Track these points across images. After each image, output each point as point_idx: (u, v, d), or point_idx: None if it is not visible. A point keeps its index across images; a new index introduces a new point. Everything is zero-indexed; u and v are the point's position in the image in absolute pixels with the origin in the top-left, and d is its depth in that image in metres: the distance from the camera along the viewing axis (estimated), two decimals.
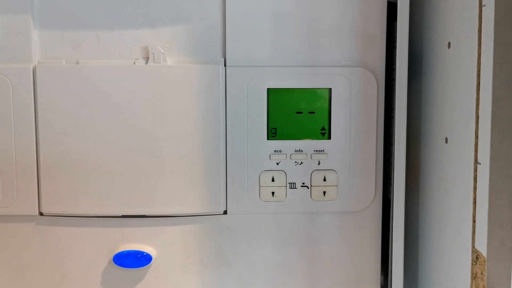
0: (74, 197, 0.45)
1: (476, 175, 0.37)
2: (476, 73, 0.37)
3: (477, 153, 0.37)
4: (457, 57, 0.40)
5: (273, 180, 0.46)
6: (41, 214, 0.46)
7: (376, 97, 0.46)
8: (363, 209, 0.47)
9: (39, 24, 0.44)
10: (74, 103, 0.44)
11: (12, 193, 0.45)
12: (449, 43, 0.42)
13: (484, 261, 0.37)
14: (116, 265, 0.46)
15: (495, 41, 0.34)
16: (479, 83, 0.37)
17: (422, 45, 0.47)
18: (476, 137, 0.37)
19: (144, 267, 0.46)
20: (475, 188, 0.38)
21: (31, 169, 0.45)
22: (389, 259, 0.47)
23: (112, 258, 0.46)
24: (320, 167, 0.46)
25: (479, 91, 0.37)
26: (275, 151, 0.46)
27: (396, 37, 0.45)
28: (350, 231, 0.47)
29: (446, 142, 0.42)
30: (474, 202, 0.38)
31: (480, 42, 0.36)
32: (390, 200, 0.47)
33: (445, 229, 0.43)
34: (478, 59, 0.37)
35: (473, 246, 0.38)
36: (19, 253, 0.46)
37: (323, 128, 0.46)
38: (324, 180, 0.46)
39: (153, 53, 0.44)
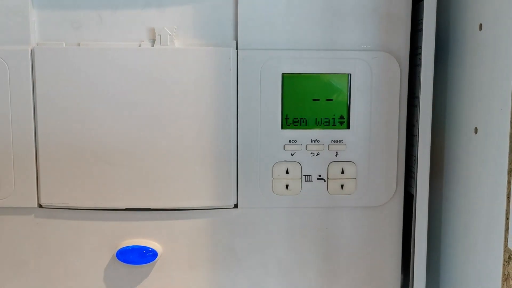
0: (75, 188, 0.43)
1: (511, 169, 0.35)
2: None
3: None
4: (489, 39, 0.38)
5: (287, 172, 0.44)
6: (40, 206, 0.44)
7: (399, 83, 0.43)
8: (383, 204, 0.45)
9: (38, 3, 0.42)
10: (75, 88, 0.42)
11: (9, 184, 0.43)
12: (480, 25, 0.39)
13: None
14: (119, 261, 0.44)
15: None
16: None
17: (450, 27, 0.45)
18: None
19: (149, 263, 0.44)
20: (509, 182, 0.36)
21: (29, 158, 0.43)
22: (411, 257, 0.45)
23: (115, 253, 0.44)
24: (338, 158, 0.44)
25: None
26: (289, 141, 0.43)
27: (421, 19, 0.42)
28: (369, 227, 0.45)
29: (476, 132, 0.40)
30: (508, 198, 0.36)
31: None
32: (411, 194, 0.45)
33: (472, 226, 0.41)
34: None
35: (505, 245, 0.36)
36: (17, 247, 0.44)
37: (341, 117, 0.44)
38: (342, 172, 0.44)
39: (160, 35, 0.42)
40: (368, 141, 0.44)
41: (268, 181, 0.44)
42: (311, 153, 0.44)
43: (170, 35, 0.42)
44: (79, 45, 0.42)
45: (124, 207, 0.44)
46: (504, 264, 0.36)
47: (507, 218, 0.36)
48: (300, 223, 0.45)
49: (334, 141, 0.44)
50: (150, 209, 0.44)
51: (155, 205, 0.44)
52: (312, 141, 0.44)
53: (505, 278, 0.36)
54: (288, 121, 0.43)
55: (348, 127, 0.44)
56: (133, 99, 0.42)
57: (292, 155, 0.44)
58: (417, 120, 0.43)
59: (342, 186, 0.44)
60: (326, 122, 0.44)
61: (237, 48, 0.43)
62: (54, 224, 0.44)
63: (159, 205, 0.44)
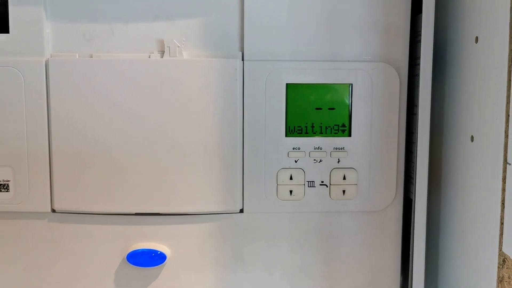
0: (87, 193, 0.44)
1: (505, 176, 0.36)
2: (506, 69, 0.36)
3: (506, 152, 0.36)
4: (485, 52, 0.39)
5: (291, 178, 0.45)
6: (53, 211, 0.45)
7: (399, 93, 0.45)
8: (383, 209, 0.46)
9: (52, 16, 0.44)
10: (88, 97, 0.43)
11: (24, 189, 0.44)
12: (476, 38, 0.40)
13: None
14: (129, 264, 0.45)
15: None
16: (510, 80, 0.36)
17: (447, 40, 0.46)
18: (506, 136, 0.36)
19: (158, 266, 0.46)
20: (503, 189, 0.37)
21: (43, 165, 0.44)
22: (410, 260, 0.46)
23: (125, 256, 0.45)
24: (340, 165, 0.45)
25: (510, 88, 0.36)
26: (293, 148, 0.45)
27: (419, 31, 0.43)
28: (370, 231, 0.47)
29: (472, 140, 0.41)
30: (503, 204, 0.37)
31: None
32: (411, 199, 0.46)
33: (468, 230, 0.42)
34: (509, 54, 0.36)
35: (500, 249, 0.37)
36: (30, 250, 0.46)
37: (343, 125, 0.45)
38: (344, 178, 0.45)
39: (169, 47, 0.44)
40: (368, 148, 0.45)
41: (273, 187, 0.45)
42: (314, 160, 0.45)
43: (178, 46, 0.43)
44: (91, 56, 0.44)
45: (134, 211, 0.45)
46: (499, 267, 0.37)
47: (502, 223, 0.37)
48: (303, 227, 0.46)
49: (336, 148, 0.45)
50: (159, 214, 0.45)
51: (164, 210, 0.45)
52: (315, 148, 0.45)
53: (500, 280, 0.37)
54: (292, 129, 0.45)
55: (350, 135, 0.45)
56: (143, 108, 0.43)
57: (295, 162, 0.45)
58: (416, 128, 0.44)
59: (343, 191, 0.45)
60: (328, 130, 0.45)
61: (243, 59, 0.44)
62: (66, 229, 0.45)
63: (168, 210, 0.45)
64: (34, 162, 0.44)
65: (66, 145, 0.44)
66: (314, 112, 0.45)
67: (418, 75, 0.44)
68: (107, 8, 0.43)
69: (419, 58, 0.44)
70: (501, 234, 0.37)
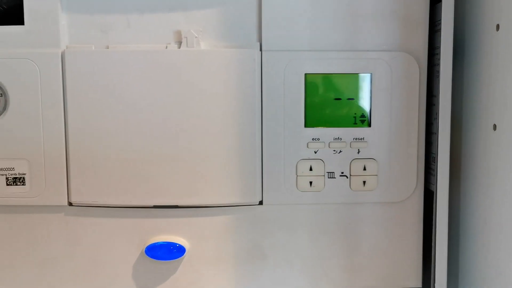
0: (104, 186, 0.44)
1: None
2: None
3: None
4: (507, 39, 0.39)
5: (311, 169, 0.45)
6: (70, 204, 0.45)
7: (418, 83, 0.44)
8: (404, 200, 0.46)
9: (67, 8, 0.43)
10: (104, 89, 0.43)
11: (40, 182, 0.44)
12: (497, 25, 0.40)
13: None
14: (148, 257, 0.45)
15: None
16: None
17: (466, 28, 0.45)
18: None
19: (177, 259, 0.45)
20: None
21: (60, 158, 0.43)
22: (432, 252, 0.45)
23: (144, 250, 0.45)
24: (360, 155, 0.45)
25: None
26: (313, 139, 0.44)
27: (439, 20, 0.43)
28: (390, 222, 0.46)
29: (495, 129, 0.41)
30: None
31: None
32: (430, 191, 0.46)
33: (491, 222, 0.42)
34: None
35: None
36: (47, 244, 0.45)
37: (362, 116, 0.45)
38: (364, 169, 0.45)
39: (186, 37, 0.43)
40: (388, 139, 0.45)
41: (292, 178, 0.45)
42: (334, 150, 0.45)
43: (196, 37, 0.43)
44: (107, 47, 0.43)
45: (152, 204, 0.44)
46: None
47: None
48: (323, 218, 0.46)
49: (356, 139, 0.45)
50: (177, 206, 0.45)
51: (182, 202, 0.44)
52: (335, 139, 0.44)
53: None
54: (311, 120, 0.44)
55: (370, 125, 0.44)
56: (161, 99, 0.43)
57: (315, 152, 0.45)
58: (436, 118, 0.44)
59: (364, 182, 0.45)
60: (347, 120, 0.44)
61: (261, 50, 0.43)
62: (83, 222, 0.45)
63: (186, 203, 0.44)
64: (50, 154, 0.43)
65: (82, 137, 0.43)
66: (333, 102, 0.44)
67: (437, 64, 0.44)
68: None
69: (438, 47, 0.43)
70: None
